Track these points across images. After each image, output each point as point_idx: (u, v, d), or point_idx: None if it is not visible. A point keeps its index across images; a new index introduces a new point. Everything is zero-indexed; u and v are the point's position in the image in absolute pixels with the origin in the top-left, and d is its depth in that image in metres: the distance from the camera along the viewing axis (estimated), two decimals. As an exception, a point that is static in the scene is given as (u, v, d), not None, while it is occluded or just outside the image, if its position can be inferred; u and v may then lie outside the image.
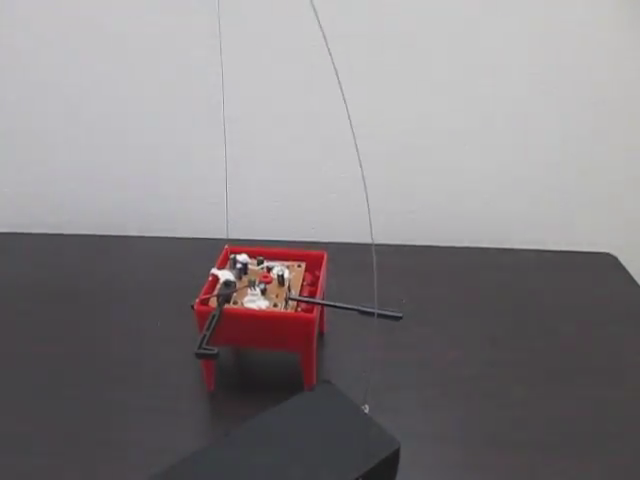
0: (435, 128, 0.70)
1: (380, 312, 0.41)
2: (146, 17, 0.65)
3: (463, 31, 0.65)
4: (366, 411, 0.40)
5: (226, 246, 0.51)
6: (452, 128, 0.70)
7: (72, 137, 0.72)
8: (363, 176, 0.33)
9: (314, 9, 0.27)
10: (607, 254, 0.70)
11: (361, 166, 0.33)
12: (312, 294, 0.47)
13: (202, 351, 0.40)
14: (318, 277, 0.49)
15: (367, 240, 0.62)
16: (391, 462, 0.38)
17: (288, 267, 0.49)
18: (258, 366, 0.52)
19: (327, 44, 0.29)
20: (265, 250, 0.51)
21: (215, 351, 0.39)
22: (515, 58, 0.66)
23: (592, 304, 0.61)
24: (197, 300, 0.45)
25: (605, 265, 0.69)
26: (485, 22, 0.64)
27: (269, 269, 0.48)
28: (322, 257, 0.50)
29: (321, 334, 0.54)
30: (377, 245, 0.35)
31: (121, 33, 0.66)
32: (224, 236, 0.51)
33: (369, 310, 0.42)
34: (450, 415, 0.47)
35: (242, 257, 0.48)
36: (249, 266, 0.48)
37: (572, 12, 0.63)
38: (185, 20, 0.65)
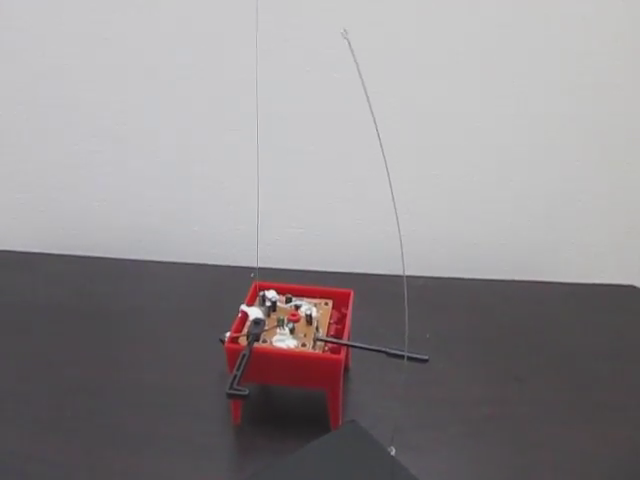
0: (455, 158, 0.71)
1: (409, 355, 0.41)
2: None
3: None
4: (392, 454, 0.41)
5: (253, 278, 0.51)
6: (473, 160, 0.71)
7: (102, 160, 0.74)
8: (395, 207, 0.33)
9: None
10: (631, 286, 0.70)
11: (393, 197, 0.33)
12: (339, 333, 0.48)
13: (233, 391, 0.40)
14: (345, 315, 0.49)
15: (392, 271, 0.64)
16: (418, 508, 0.38)
17: (315, 305, 0.50)
18: (284, 398, 0.53)
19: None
20: (293, 287, 0.51)
21: (246, 392, 0.40)
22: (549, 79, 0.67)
23: (617, 339, 0.61)
24: (227, 337, 0.46)
25: (630, 297, 0.68)
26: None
27: (297, 307, 0.49)
28: (349, 295, 0.51)
29: (346, 369, 0.54)
30: (400, 276, 0.35)
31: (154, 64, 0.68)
32: (250, 264, 0.51)
33: (397, 353, 0.43)
34: (475, 455, 0.47)
35: (271, 294, 0.49)
36: (278, 303, 0.49)
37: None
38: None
